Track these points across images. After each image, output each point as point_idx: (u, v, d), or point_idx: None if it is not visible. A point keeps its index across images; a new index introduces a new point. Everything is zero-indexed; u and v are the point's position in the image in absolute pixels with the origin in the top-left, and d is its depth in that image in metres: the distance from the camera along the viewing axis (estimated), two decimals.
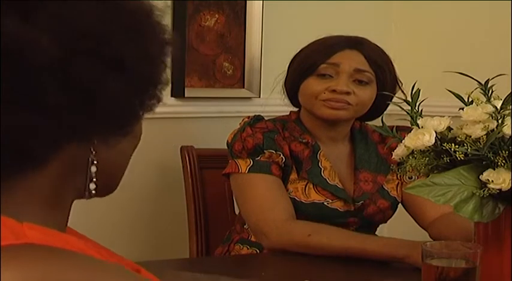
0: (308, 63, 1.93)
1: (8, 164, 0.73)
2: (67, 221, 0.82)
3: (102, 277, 0.68)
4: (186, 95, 2.37)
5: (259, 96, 2.51)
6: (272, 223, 1.80)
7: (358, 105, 1.91)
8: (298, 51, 2.01)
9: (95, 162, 0.78)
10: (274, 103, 2.13)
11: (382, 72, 1.93)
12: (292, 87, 1.98)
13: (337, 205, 1.92)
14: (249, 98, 2.52)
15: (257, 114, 1.96)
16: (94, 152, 0.78)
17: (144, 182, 2.37)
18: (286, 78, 2.02)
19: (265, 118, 1.96)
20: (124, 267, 0.73)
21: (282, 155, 1.88)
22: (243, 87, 2.51)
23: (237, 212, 2.22)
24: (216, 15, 2.44)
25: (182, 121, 2.40)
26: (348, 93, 1.89)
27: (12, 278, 0.64)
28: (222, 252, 2.01)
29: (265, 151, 1.88)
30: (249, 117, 1.95)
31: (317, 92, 1.90)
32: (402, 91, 1.93)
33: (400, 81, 1.98)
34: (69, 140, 0.75)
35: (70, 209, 0.82)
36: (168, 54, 0.81)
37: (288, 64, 2.02)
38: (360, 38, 1.98)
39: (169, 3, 2.30)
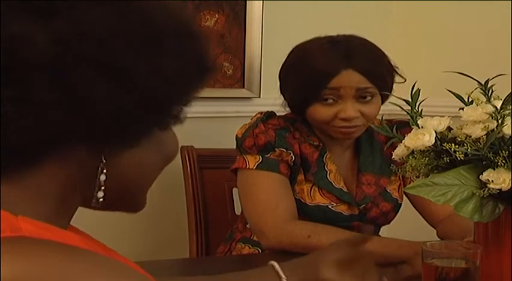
0: (308, 91, 1.87)
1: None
2: (69, 222, 0.81)
3: (105, 272, 0.67)
4: None
5: (259, 96, 2.51)
6: (272, 224, 1.80)
7: (369, 120, 1.87)
8: (285, 62, 1.93)
9: (105, 171, 0.77)
10: (274, 103, 2.13)
11: (382, 79, 1.88)
12: (298, 109, 1.93)
13: (342, 208, 1.91)
14: (249, 98, 2.52)
15: (270, 110, 1.93)
16: (104, 161, 0.77)
17: None
18: (285, 90, 1.95)
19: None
20: (128, 265, 0.72)
21: (292, 154, 1.87)
22: (243, 87, 2.51)
23: (237, 212, 2.22)
24: (216, 15, 2.44)
25: None
26: (357, 117, 1.86)
27: (10, 271, 0.63)
28: (224, 251, 2.00)
29: (276, 149, 1.86)
30: (261, 113, 1.93)
31: (327, 119, 1.87)
32: (401, 76, 1.92)
33: (396, 67, 1.94)
34: (64, 140, 0.74)
35: (74, 213, 0.81)
36: (203, 81, 0.79)
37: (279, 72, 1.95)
38: (345, 44, 1.88)
39: None
